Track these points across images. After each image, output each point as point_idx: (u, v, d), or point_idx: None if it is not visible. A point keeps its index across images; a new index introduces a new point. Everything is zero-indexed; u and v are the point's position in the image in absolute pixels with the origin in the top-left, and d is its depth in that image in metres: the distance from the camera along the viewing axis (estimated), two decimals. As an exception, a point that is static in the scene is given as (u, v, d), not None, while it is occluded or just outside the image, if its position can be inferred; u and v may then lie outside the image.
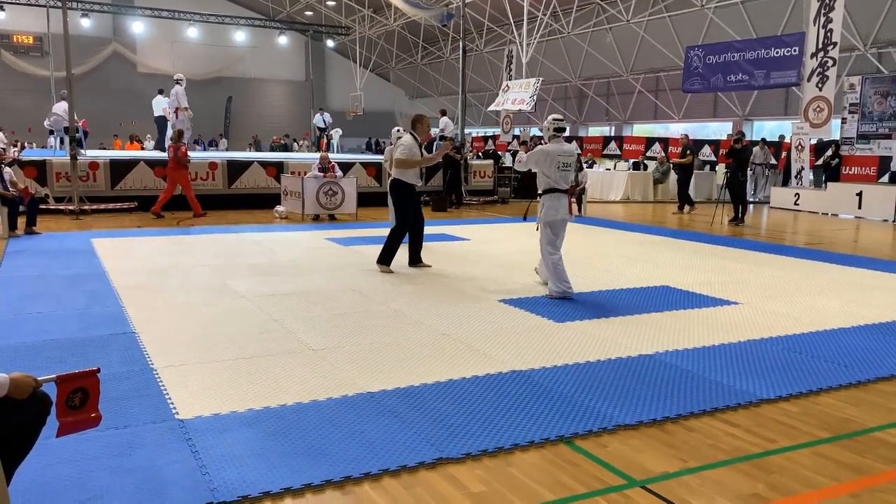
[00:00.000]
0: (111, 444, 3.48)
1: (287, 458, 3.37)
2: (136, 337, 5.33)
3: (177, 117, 16.50)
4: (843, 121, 18.20)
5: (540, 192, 7.14)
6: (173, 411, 3.90)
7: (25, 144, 23.97)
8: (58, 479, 3.12)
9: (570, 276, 7.08)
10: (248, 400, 4.08)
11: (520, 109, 22.20)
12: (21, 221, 10.69)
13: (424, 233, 8.68)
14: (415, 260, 8.55)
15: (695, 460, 3.48)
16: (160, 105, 18.62)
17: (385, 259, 8.22)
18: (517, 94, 21.64)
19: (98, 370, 2.88)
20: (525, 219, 8.06)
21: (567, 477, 3.29)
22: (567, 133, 30.76)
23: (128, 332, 5.45)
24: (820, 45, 16.32)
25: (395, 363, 4.82)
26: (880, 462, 3.50)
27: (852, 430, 3.88)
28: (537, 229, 7.32)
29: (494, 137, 28.98)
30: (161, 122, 18.91)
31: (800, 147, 17.48)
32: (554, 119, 7.16)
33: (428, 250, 9.08)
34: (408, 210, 8.29)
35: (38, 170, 13.61)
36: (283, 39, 34.08)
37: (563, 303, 6.72)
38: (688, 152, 16.72)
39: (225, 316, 6.06)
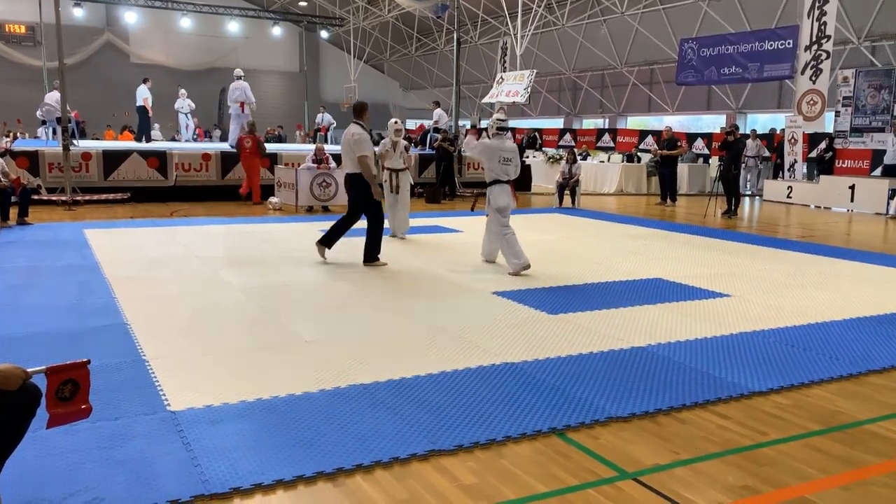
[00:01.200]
0: (102, 435, 3.47)
1: (279, 450, 3.36)
2: (129, 328, 5.32)
3: (242, 111, 16.54)
4: (837, 114, 18.25)
5: (487, 182, 7.95)
6: (165, 403, 3.89)
7: (19, 135, 23.79)
8: (48, 470, 3.11)
9: (563, 269, 7.28)
10: (240, 392, 4.07)
11: (514, 102, 22.16)
12: (13, 212, 10.64)
13: (416, 225, 8.74)
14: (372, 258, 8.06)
15: (686, 452, 3.49)
16: (143, 95, 18.35)
17: (372, 256, 7.98)
18: (511, 87, 21.59)
19: (88, 362, 2.87)
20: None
21: (559, 469, 3.29)
22: (562, 125, 30.64)
23: (120, 324, 5.43)
24: (814, 39, 16.33)
25: (387, 355, 4.81)
26: (871, 454, 3.52)
27: (843, 423, 3.90)
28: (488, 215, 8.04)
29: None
30: (142, 112, 18.60)
31: (793, 140, 17.51)
32: (497, 119, 8.09)
33: (422, 242, 9.09)
34: (375, 201, 7.93)
35: (31, 160, 13.54)
36: (276, 30, 33.86)
37: (556, 295, 6.72)
38: (679, 144, 16.71)
39: (217, 307, 6.04)
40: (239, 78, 16.94)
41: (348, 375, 4.38)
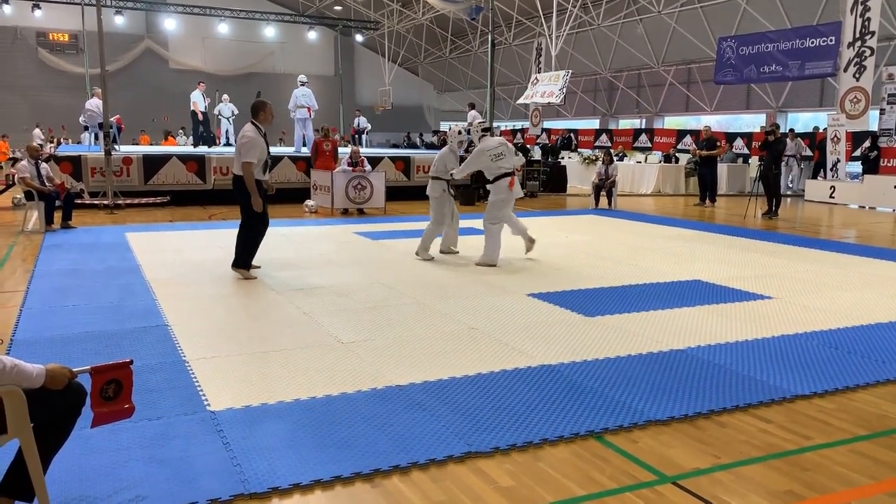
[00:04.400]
0: (145, 435, 3.53)
1: (317, 450, 3.38)
2: (169, 329, 5.40)
3: (310, 115, 17.04)
4: (882, 112, 17.79)
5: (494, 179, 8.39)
6: (205, 403, 3.94)
7: (63, 140, 24.35)
8: (93, 468, 3.17)
9: (599, 271, 7.65)
10: (278, 392, 4.11)
11: (549, 102, 22.06)
12: (57, 216, 10.89)
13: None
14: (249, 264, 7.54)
15: (727, 456, 3.43)
16: (192, 99, 18.56)
17: (243, 263, 7.41)
18: (546, 87, 21.50)
19: (131, 362, 2.92)
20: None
21: (597, 472, 3.26)
22: (598, 126, 30.40)
23: (160, 325, 5.52)
24: (857, 35, 15.96)
25: (423, 356, 4.82)
26: (919, 460, 3.42)
27: (890, 428, 3.80)
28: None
29: (523, 131, 28.84)
30: (193, 116, 18.88)
31: (835, 139, 17.13)
32: (479, 122, 8.98)
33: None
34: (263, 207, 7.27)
35: (74, 165, 13.84)
36: (312, 35, 34.21)
37: (592, 297, 6.67)
38: (718, 143, 16.44)
39: (256, 309, 6.11)
40: (303, 84, 17.22)
41: (384, 377, 4.40)
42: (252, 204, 7.16)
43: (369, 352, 4.91)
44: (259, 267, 7.76)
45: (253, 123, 7.31)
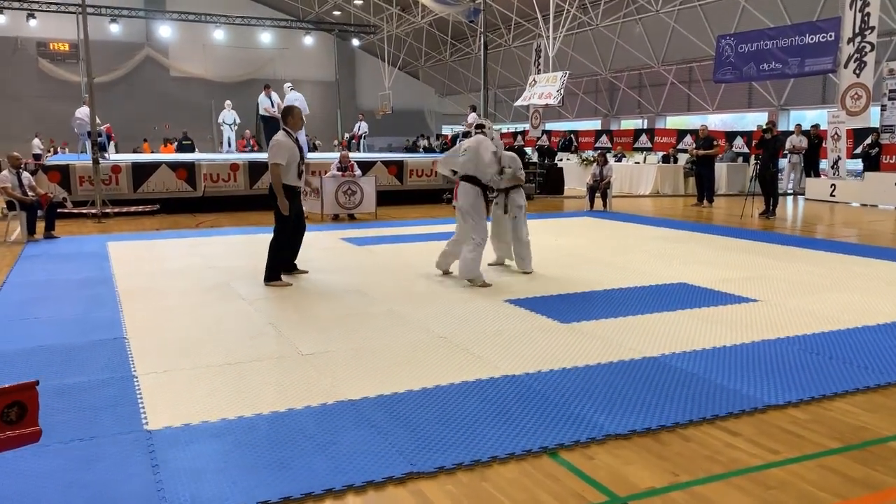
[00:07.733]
0: (72, 457, 3.35)
1: (248, 472, 3.19)
2: (126, 343, 5.22)
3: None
4: (883, 108, 17.49)
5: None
6: (143, 422, 3.76)
7: (59, 149, 24.32)
8: (3, 496, 2.98)
9: (583, 275, 7.46)
10: (223, 409, 3.92)
11: (547, 104, 21.88)
12: (40, 226, 10.76)
13: (440, 231, 8.41)
14: (291, 267, 7.69)
15: (686, 474, 3.21)
16: (262, 104, 18.03)
17: (275, 275, 7.28)
18: (544, 88, 21.35)
19: (37, 383, 2.72)
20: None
21: (544, 493, 3.06)
22: (599, 127, 30.01)
23: (118, 338, 5.34)
24: (857, 30, 15.69)
25: (383, 368, 4.62)
26: (892, 476, 3.20)
27: (865, 440, 3.57)
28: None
29: (524, 133, 28.64)
30: (264, 121, 17.99)
31: (836, 136, 16.85)
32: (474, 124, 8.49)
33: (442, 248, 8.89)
34: (289, 215, 7.27)
35: (62, 174, 13.73)
36: (310, 40, 34.13)
37: (571, 302, 6.45)
38: (715, 143, 16.19)
39: (221, 320, 5.93)
40: (291, 90, 17.00)
41: (338, 390, 4.20)
42: (279, 206, 7.13)
43: (327, 364, 4.72)
44: (306, 272, 7.84)
45: (283, 129, 7.28)
